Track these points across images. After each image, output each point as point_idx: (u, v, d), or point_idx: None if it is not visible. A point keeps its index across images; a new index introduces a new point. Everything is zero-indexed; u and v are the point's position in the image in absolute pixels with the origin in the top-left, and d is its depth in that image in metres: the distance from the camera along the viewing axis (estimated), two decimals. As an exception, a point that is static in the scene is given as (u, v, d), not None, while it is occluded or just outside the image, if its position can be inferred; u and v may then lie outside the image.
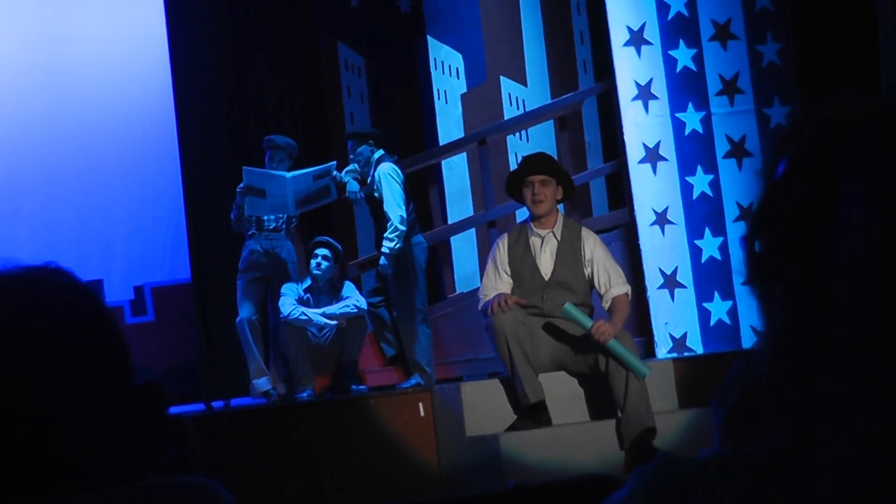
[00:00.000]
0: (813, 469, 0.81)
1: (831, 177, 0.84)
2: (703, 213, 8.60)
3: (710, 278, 8.57)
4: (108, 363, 1.17)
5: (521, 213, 9.22)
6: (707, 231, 8.59)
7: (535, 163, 7.18)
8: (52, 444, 1.12)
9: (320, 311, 8.20)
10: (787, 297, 0.85)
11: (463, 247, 10.14)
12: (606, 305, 7.00)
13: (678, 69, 8.67)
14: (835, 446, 0.80)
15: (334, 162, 8.45)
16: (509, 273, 7.10)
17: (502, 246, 7.17)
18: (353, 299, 8.26)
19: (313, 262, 8.36)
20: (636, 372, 6.75)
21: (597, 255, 7.06)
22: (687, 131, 8.65)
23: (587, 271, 7.07)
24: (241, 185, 8.29)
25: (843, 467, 0.79)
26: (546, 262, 7.08)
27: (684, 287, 8.56)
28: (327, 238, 8.50)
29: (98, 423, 1.15)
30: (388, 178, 8.19)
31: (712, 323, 8.57)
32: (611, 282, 7.00)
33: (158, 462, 1.20)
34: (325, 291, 8.31)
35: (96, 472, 1.14)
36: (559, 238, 7.11)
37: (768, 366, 0.86)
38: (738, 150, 8.68)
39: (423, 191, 9.60)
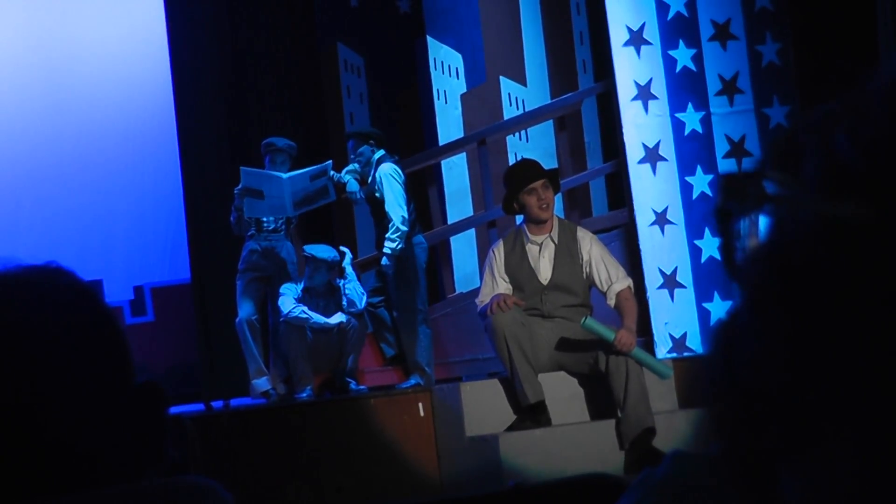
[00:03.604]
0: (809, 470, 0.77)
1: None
2: (703, 213, 8.59)
3: (710, 278, 8.56)
4: (109, 363, 1.17)
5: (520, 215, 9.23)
6: (707, 231, 8.58)
7: (530, 170, 7.18)
8: (53, 443, 1.12)
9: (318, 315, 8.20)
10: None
11: (462, 247, 10.13)
12: (612, 302, 7.01)
13: (678, 69, 8.66)
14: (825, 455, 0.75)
15: (330, 161, 8.44)
16: (507, 280, 7.11)
17: (498, 254, 7.17)
18: (350, 304, 8.24)
19: (306, 272, 8.33)
20: (661, 375, 6.86)
21: (594, 253, 7.08)
22: (686, 131, 8.64)
23: (586, 272, 7.07)
24: (239, 186, 8.29)
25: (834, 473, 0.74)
26: (545, 268, 7.09)
27: (684, 287, 8.56)
28: (309, 252, 8.34)
29: (98, 422, 1.15)
30: (390, 178, 8.19)
31: (712, 323, 8.56)
32: (611, 277, 7.01)
33: (159, 462, 1.19)
34: (321, 294, 8.30)
35: (96, 472, 1.14)
36: (557, 242, 7.12)
37: (764, 378, 0.78)
38: (737, 151, 8.68)
39: (423, 191, 9.60)
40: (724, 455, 0.72)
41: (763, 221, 0.70)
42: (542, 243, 7.10)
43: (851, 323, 0.63)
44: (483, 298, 7.11)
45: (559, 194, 7.77)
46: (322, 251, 8.31)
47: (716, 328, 0.73)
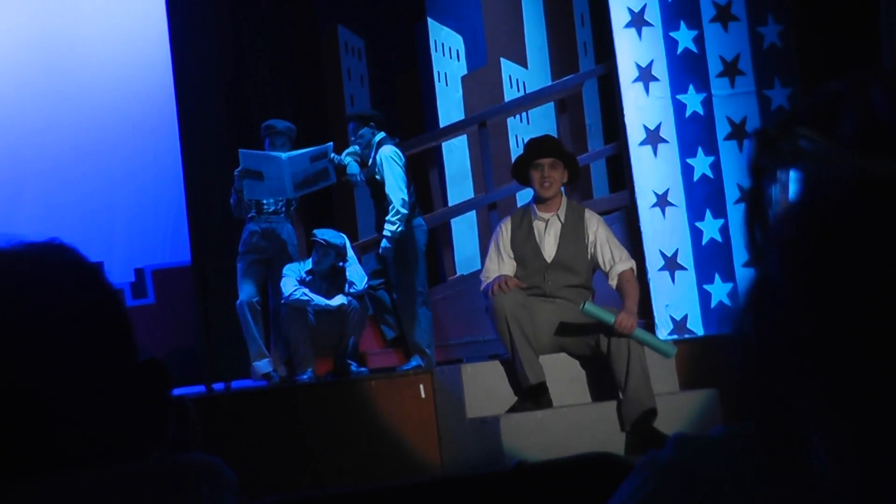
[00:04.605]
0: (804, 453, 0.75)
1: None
2: (703, 196, 8.59)
3: (711, 260, 8.57)
4: (112, 340, 1.17)
5: (522, 196, 9.22)
6: (708, 213, 8.58)
7: (543, 146, 7.17)
8: (56, 421, 1.12)
9: (319, 297, 8.19)
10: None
11: (463, 229, 10.13)
12: (613, 283, 7.02)
13: (679, 51, 8.64)
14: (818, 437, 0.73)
15: (331, 143, 8.43)
16: (512, 256, 7.12)
17: (505, 229, 7.18)
18: (350, 285, 8.24)
19: (313, 257, 8.31)
20: (664, 353, 6.87)
21: (599, 235, 7.09)
22: (688, 113, 8.63)
23: (590, 252, 7.08)
24: (239, 168, 8.28)
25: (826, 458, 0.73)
26: (549, 245, 7.09)
27: (685, 269, 8.56)
28: (322, 238, 8.32)
29: (101, 400, 1.14)
30: (390, 160, 8.19)
31: (713, 305, 8.57)
32: (614, 258, 7.02)
33: (162, 440, 1.19)
34: (325, 276, 8.30)
35: (100, 449, 1.14)
36: (563, 220, 7.12)
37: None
38: (738, 132, 8.67)
39: (424, 173, 9.59)
40: (757, 429, 0.71)
41: (794, 182, 0.70)
42: (548, 220, 7.11)
43: (885, 278, 0.63)
44: (488, 274, 7.11)
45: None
46: (335, 237, 8.30)
47: (745, 292, 0.73)
